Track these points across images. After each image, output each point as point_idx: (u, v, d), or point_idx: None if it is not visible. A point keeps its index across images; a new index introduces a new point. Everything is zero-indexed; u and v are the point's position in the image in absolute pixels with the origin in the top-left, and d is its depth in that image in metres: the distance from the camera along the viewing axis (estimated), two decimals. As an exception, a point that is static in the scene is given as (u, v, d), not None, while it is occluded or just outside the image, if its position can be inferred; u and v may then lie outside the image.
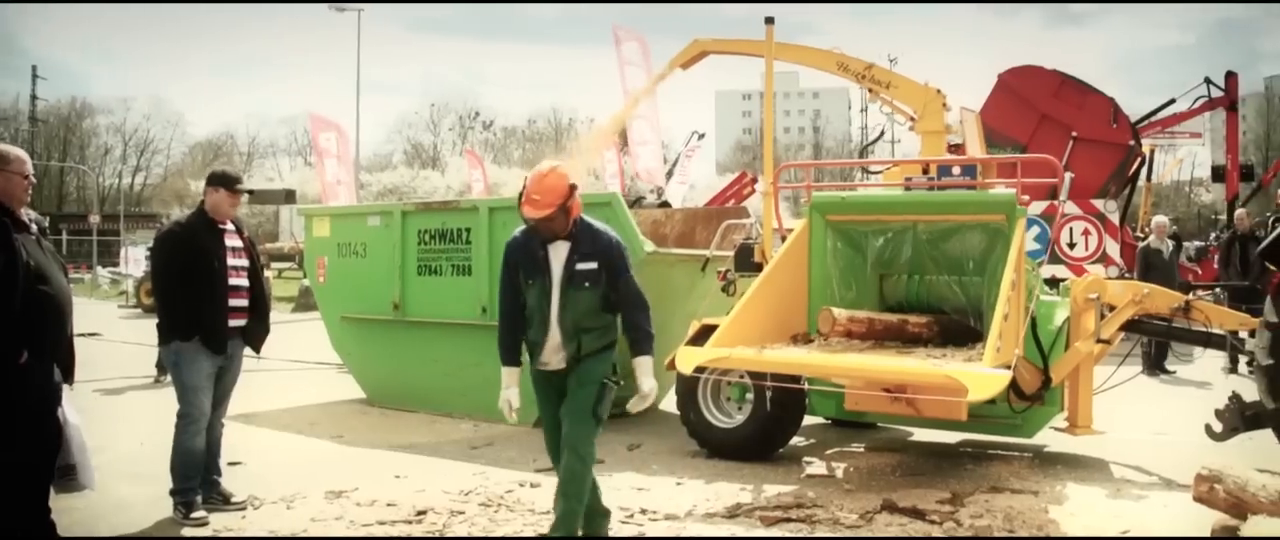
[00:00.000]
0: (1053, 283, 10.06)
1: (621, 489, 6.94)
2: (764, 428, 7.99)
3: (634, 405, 5.31)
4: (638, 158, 23.65)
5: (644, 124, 23.67)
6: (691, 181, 38.88)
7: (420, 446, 8.60)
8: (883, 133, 13.83)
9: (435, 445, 8.68)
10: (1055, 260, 14.27)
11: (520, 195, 5.17)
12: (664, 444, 8.67)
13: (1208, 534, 4.93)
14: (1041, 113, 15.22)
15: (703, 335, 7.71)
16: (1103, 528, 6.00)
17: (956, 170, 7.44)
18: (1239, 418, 7.27)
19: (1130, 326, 7.76)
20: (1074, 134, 15.45)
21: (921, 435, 8.97)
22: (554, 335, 5.25)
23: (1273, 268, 7.14)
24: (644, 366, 5.30)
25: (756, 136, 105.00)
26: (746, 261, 8.61)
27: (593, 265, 5.25)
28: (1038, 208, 12.61)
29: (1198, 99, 20.32)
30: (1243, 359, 12.99)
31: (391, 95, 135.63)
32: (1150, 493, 6.94)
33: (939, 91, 9.25)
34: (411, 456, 8.15)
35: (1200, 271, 21.13)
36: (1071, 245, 15.20)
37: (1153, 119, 20.48)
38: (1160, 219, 13.69)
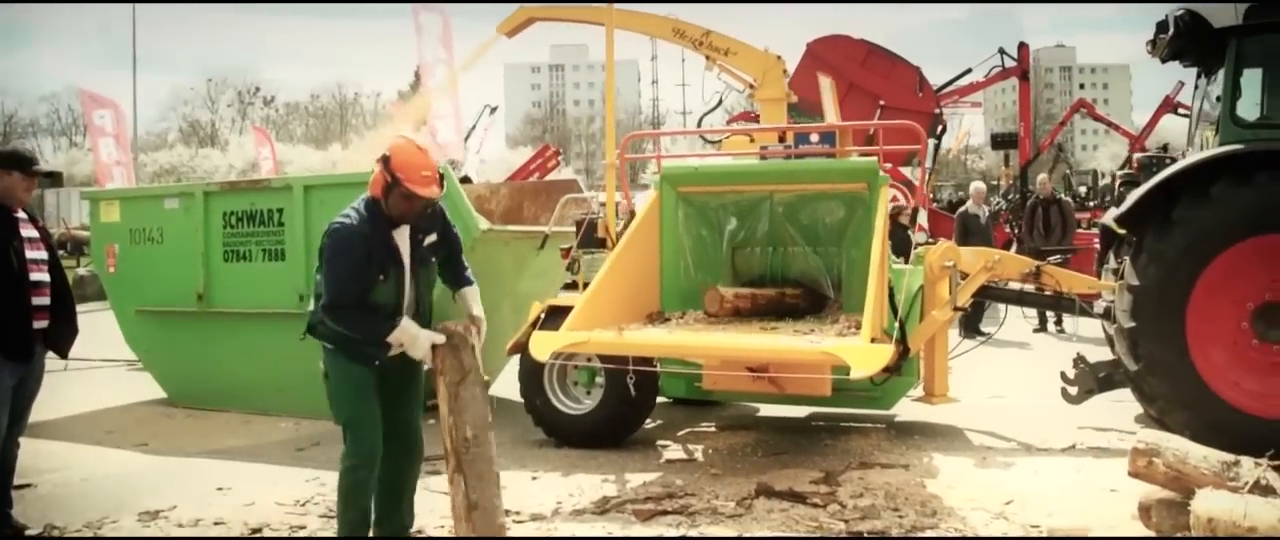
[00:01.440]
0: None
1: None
2: (617, 412, 7.57)
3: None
4: (436, 131, 22.86)
5: (442, 96, 22.87)
6: (483, 155, 38.05)
7: (239, 451, 7.75)
8: (720, 100, 13.62)
9: (256, 449, 7.84)
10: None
11: (395, 176, 4.55)
12: (505, 433, 8.08)
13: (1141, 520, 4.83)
14: (849, 81, 15.42)
15: (552, 318, 7.24)
16: (984, 500, 5.89)
17: (814, 138, 7.21)
18: (1093, 379, 7.39)
19: (981, 292, 7.76)
20: (882, 103, 15.74)
21: (768, 410, 8.78)
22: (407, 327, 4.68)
23: (1120, 231, 7.25)
24: (473, 295, 5.10)
25: (546, 110, 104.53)
26: (590, 238, 8.14)
27: (433, 236, 4.88)
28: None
29: (992, 69, 21.14)
30: (1051, 318, 13.59)
31: (163, 70, 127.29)
32: (1015, 458, 6.93)
33: (779, 58, 9.04)
34: (232, 464, 7.30)
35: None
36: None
37: (950, 88, 21.20)
38: (978, 186, 14.10)
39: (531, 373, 7.78)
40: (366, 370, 4.72)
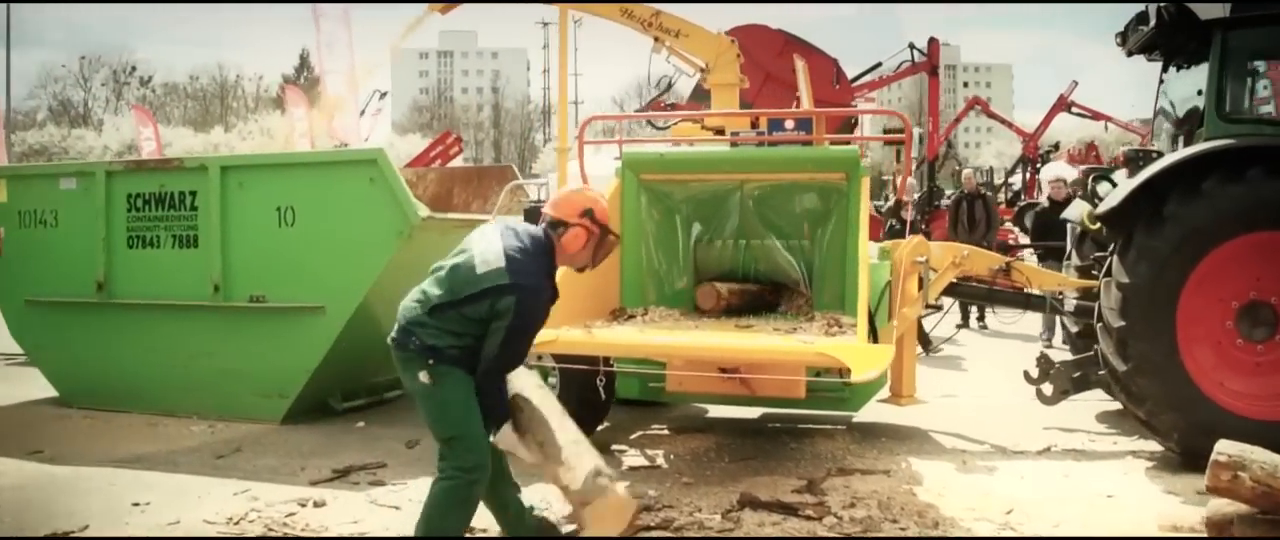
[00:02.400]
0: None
1: (420, 499, 5.79)
2: (574, 417, 7.04)
3: None
4: (333, 116, 22.02)
5: (338, 79, 22.02)
6: (371, 141, 36.91)
7: (151, 459, 6.97)
8: (670, 85, 13.12)
9: (170, 456, 7.07)
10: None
11: (604, 227, 4.65)
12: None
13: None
14: (766, 72, 15.14)
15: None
16: (983, 509, 5.57)
17: (789, 124, 6.80)
18: (1068, 380, 7.18)
19: (949, 289, 7.48)
20: (798, 94, 15.48)
21: (718, 412, 8.35)
22: None
23: (1093, 227, 7.04)
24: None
25: (433, 96, 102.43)
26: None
27: None
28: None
29: (902, 63, 21.14)
30: (973, 314, 13.52)
31: (33, 46, 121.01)
32: (994, 462, 6.64)
33: (733, 41, 8.61)
34: (145, 474, 6.53)
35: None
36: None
37: (862, 82, 21.14)
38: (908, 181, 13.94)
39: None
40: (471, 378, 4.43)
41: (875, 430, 7.63)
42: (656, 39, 8.68)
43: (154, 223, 8.26)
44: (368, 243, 7.62)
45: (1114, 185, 7.42)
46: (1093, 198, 7.40)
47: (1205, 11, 6.40)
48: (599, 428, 7.45)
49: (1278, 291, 6.33)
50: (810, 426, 7.76)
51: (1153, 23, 6.77)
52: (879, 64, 21.32)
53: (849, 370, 5.11)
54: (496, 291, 4.21)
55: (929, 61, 20.96)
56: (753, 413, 8.17)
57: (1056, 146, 34.64)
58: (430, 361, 4.31)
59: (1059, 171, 11.91)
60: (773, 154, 6.76)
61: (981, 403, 8.65)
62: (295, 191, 7.83)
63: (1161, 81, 7.59)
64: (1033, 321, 11.71)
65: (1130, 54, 7.45)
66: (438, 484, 4.41)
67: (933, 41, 20.93)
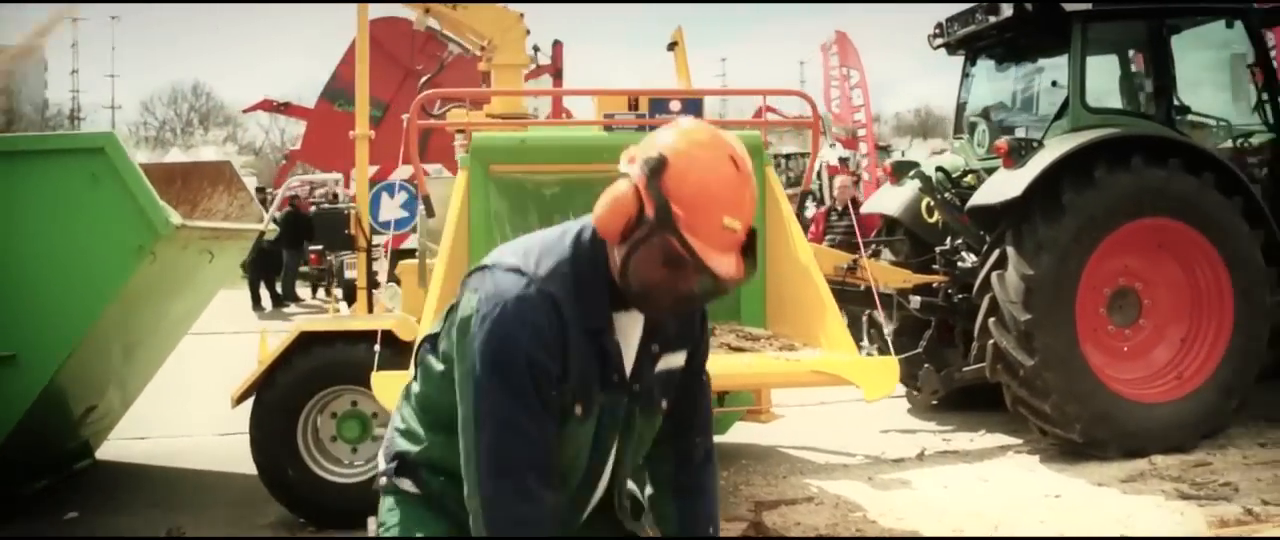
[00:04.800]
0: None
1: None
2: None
3: None
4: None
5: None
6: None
7: None
8: (442, 65, 10.91)
9: None
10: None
11: (671, 211, 1.98)
12: (232, 517, 5.71)
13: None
14: (407, 68, 13.93)
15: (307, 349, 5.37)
16: (965, 526, 5.13)
17: (675, 104, 5.81)
18: (937, 380, 6.92)
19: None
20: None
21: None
22: (596, 496, 2.31)
23: (930, 219, 6.87)
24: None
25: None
26: (340, 233, 5.96)
27: (683, 354, 2.33)
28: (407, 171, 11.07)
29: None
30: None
31: None
32: (896, 474, 6.14)
33: (521, 16, 7.37)
34: None
35: None
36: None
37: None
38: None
39: (276, 430, 5.44)
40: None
41: (728, 453, 6.84)
42: (426, 10, 7.22)
43: None
44: (89, 265, 5.46)
45: (929, 177, 7.26)
46: (934, 190, 7.15)
47: (1070, 4, 6.42)
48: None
49: (1142, 277, 6.48)
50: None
51: (1005, 16, 6.69)
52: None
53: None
54: (460, 291, 2.18)
55: (552, 65, 20.40)
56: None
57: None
58: (382, 482, 2.34)
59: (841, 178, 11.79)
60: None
61: (807, 412, 8.07)
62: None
63: (968, 76, 7.61)
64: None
65: (948, 49, 7.42)
66: None
67: (556, 44, 20.39)
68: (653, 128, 5.67)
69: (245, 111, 34.90)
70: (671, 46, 6.81)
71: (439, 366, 2.23)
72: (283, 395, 5.41)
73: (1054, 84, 6.86)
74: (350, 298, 6.73)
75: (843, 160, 17.65)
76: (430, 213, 5.61)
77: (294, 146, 36.27)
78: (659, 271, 2.04)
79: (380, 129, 8.14)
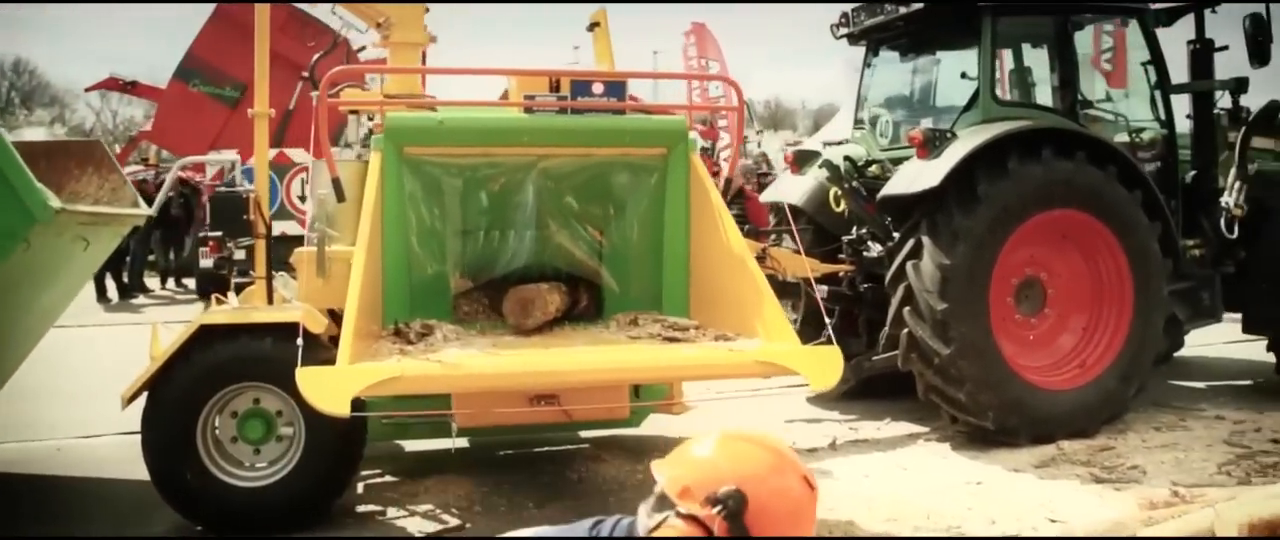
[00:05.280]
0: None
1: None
2: (323, 476, 5.19)
3: None
4: None
5: None
6: None
7: None
8: (334, 42, 10.01)
9: None
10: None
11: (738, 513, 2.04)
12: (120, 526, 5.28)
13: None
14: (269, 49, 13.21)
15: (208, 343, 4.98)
16: (892, 512, 5.08)
17: (598, 87, 5.58)
18: (851, 371, 6.87)
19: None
20: (304, 74, 13.73)
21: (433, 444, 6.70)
22: None
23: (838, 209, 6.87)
24: None
25: None
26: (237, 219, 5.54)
27: None
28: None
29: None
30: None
31: None
32: (817, 466, 6.08)
33: (418, -8, 7.03)
34: None
35: None
36: (303, 198, 13.51)
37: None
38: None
39: (173, 431, 5.02)
40: None
41: (634, 446, 6.68)
42: (323, -15, 6.85)
43: None
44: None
45: (837, 166, 7.26)
46: (841, 179, 7.12)
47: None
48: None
49: (1047, 267, 6.62)
50: (573, 451, 6.60)
51: (915, 8, 6.73)
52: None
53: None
54: None
55: None
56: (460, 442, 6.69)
57: None
58: None
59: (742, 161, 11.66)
60: (579, 124, 5.51)
61: (711, 404, 7.93)
62: None
63: (870, 66, 7.65)
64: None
65: (851, 39, 7.43)
66: None
67: None
68: (576, 111, 5.52)
69: (87, 90, 32.92)
70: (592, 27, 6.58)
71: None
72: (180, 393, 4.99)
73: (964, 76, 6.92)
74: (204, 291, 6.31)
75: (705, 150, 17.65)
76: (341, 197, 5.26)
77: (130, 131, 34.31)
78: None
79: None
